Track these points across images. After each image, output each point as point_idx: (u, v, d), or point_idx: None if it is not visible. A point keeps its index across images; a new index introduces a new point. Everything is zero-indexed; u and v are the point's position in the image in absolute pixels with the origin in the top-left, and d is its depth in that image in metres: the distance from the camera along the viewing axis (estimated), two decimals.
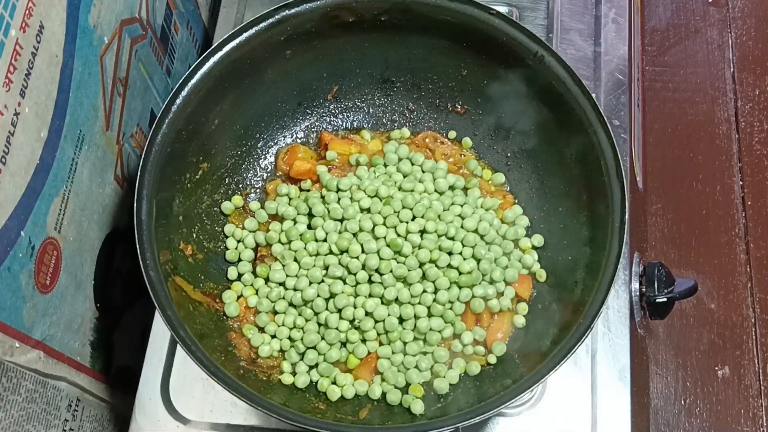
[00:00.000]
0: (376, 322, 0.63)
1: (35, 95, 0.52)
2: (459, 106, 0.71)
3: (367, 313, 0.62)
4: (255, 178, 0.71)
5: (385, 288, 0.63)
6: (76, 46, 0.57)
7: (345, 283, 0.63)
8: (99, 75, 0.61)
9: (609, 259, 0.57)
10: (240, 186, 0.70)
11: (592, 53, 0.76)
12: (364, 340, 0.63)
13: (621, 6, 0.79)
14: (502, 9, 0.76)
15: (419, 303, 0.63)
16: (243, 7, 0.80)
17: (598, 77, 0.75)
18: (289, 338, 0.64)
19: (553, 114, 0.65)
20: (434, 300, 0.63)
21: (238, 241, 0.68)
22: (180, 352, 0.65)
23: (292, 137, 0.72)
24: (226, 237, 0.68)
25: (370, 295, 0.63)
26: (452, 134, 0.72)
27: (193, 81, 0.62)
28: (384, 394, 0.62)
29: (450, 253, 0.64)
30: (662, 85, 1.25)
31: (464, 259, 0.65)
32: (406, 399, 0.61)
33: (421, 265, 0.64)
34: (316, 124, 0.73)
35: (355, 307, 0.62)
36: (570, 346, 0.55)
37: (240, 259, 0.67)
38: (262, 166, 0.71)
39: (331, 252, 0.65)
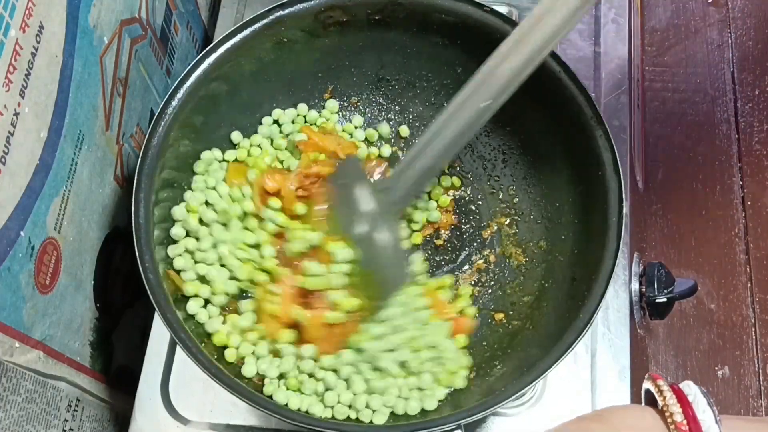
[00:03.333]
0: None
1: (35, 95, 0.52)
2: None
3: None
4: None
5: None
6: (76, 46, 0.57)
7: None
8: (99, 75, 0.61)
9: (607, 254, 0.58)
10: None
11: (592, 53, 0.76)
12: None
13: (621, 6, 0.79)
14: (502, 9, 0.76)
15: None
16: (243, 7, 0.80)
17: (598, 77, 0.75)
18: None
19: (549, 109, 0.65)
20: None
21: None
22: (180, 352, 0.65)
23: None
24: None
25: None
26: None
27: (188, 83, 0.62)
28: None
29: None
30: (662, 85, 1.25)
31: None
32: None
33: None
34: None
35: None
36: (570, 341, 0.55)
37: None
38: None
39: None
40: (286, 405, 0.58)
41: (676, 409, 0.43)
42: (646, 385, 0.46)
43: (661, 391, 0.44)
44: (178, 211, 0.62)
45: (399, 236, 0.63)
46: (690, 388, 0.44)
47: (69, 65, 0.56)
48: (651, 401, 0.46)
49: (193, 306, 0.60)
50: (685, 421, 0.42)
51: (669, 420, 0.43)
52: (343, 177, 0.65)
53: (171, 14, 0.76)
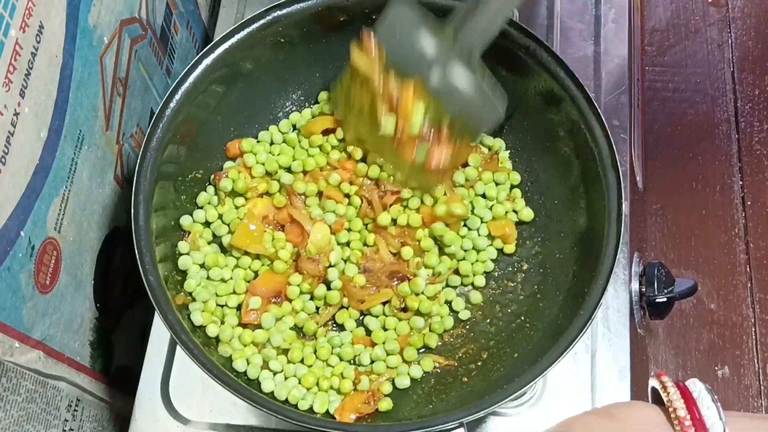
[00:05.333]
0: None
1: (35, 95, 0.52)
2: None
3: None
4: None
5: None
6: (76, 46, 0.57)
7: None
8: (99, 75, 0.61)
9: (607, 251, 0.58)
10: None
11: (592, 53, 0.76)
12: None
13: (621, 6, 0.79)
14: None
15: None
16: (243, 7, 0.80)
17: (598, 77, 0.75)
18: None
19: (547, 106, 0.65)
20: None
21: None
22: (180, 352, 0.65)
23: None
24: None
25: None
26: None
27: (186, 85, 0.62)
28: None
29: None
30: (662, 85, 1.25)
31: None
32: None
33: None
34: None
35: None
36: (570, 338, 0.55)
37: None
38: None
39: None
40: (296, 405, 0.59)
41: (679, 405, 0.43)
42: (652, 382, 0.46)
43: (665, 388, 0.44)
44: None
45: (475, 76, 0.59)
46: (695, 386, 0.44)
47: (69, 65, 0.56)
48: (657, 400, 0.46)
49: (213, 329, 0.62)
50: (688, 416, 0.42)
51: (673, 416, 0.43)
52: (392, 27, 0.60)
53: (171, 14, 0.76)
